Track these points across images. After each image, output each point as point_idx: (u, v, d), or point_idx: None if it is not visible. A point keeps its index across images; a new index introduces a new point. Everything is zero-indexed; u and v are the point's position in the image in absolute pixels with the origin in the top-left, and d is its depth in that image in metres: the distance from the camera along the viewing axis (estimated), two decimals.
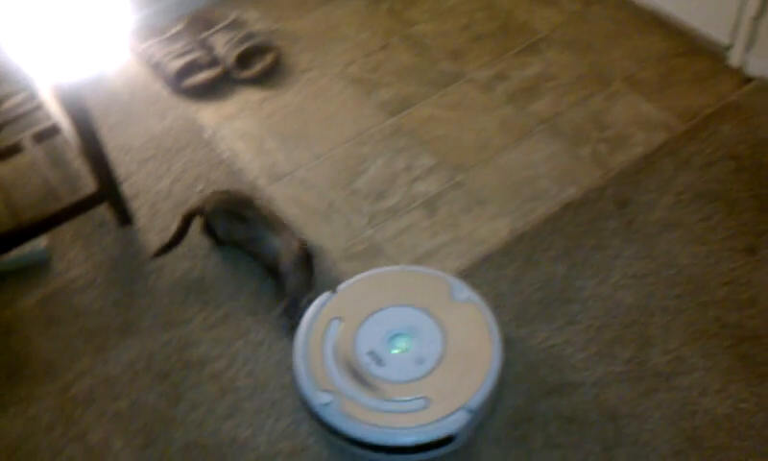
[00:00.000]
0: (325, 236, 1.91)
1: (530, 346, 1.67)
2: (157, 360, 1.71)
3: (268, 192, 2.01)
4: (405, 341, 1.58)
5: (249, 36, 2.36)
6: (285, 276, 1.72)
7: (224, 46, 2.34)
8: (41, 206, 1.97)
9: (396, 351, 1.56)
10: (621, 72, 2.26)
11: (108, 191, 1.88)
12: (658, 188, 1.93)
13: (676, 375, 1.60)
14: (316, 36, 2.47)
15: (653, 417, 1.54)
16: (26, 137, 2.00)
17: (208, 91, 2.30)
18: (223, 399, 1.63)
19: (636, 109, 2.14)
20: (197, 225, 1.88)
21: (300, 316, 1.64)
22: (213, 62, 2.33)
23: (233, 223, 1.81)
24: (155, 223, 1.95)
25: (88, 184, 1.92)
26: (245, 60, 2.33)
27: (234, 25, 2.41)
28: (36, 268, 1.89)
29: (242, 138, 2.17)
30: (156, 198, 2.02)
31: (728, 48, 2.22)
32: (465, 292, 1.65)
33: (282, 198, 2.00)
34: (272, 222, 1.80)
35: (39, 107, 2.02)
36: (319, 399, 1.49)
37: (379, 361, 1.54)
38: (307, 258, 1.76)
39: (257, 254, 1.80)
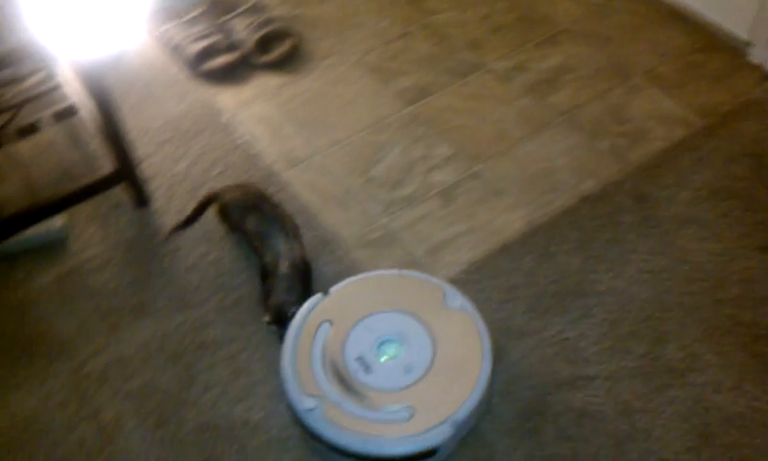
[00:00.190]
0: (341, 223, 1.91)
1: (543, 338, 1.67)
2: (171, 341, 1.71)
3: (285, 177, 2.01)
4: (394, 348, 1.54)
5: (268, 21, 2.36)
6: (280, 278, 1.68)
7: (243, 31, 2.34)
8: (59, 185, 1.98)
9: (384, 359, 1.53)
10: (641, 66, 2.25)
11: (126, 172, 1.88)
12: (675, 184, 1.92)
13: (690, 371, 1.60)
14: (335, 22, 2.47)
15: (665, 413, 1.54)
16: (44, 117, 2.00)
17: (227, 75, 2.30)
18: (236, 381, 1.64)
19: (656, 103, 2.13)
20: (214, 210, 1.88)
21: (286, 326, 1.60)
22: (232, 47, 2.34)
23: (248, 213, 1.80)
24: (171, 205, 1.96)
25: (106, 165, 1.92)
26: (264, 45, 2.33)
27: (254, 10, 2.41)
28: (53, 247, 1.90)
29: (260, 123, 2.17)
30: (173, 180, 2.02)
31: (748, 44, 2.21)
32: (458, 300, 1.60)
33: (299, 183, 2.00)
34: (285, 224, 1.78)
35: (58, 87, 2.02)
36: (303, 403, 1.46)
37: (367, 368, 1.50)
38: (306, 272, 1.73)
39: (260, 250, 1.77)
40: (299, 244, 1.76)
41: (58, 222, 1.90)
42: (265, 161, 2.05)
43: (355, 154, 2.07)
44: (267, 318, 1.65)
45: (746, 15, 2.18)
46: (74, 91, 1.94)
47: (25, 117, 2.02)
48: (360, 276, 1.68)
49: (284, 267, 1.69)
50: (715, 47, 2.28)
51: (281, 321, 1.62)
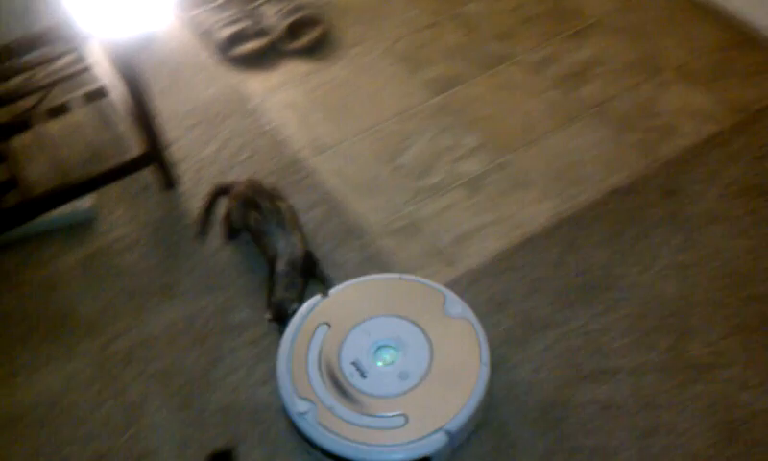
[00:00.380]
0: (367, 211, 1.91)
1: (568, 331, 1.66)
2: (196, 323, 1.72)
3: (311, 164, 2.01)
4: (391, 353, 1.53)
5: (298, 8, 2.36)
6: (280, 276, 1.67)
7: (273, 16, 2.34)
8: (88, 166, 2.00)
9: (380, 364, 1.51)
10: (673, 61, 2.23)
11: (155, 154, 1.89)
12: (705, 180, 1.91)
13: (715, 367, 1.59)
14: (365, 11, 2.47)
15: (689, 408, 1.53)
16: (75, 98, 2.02)
17: (256, 61, 2.31)
18: (259, 364, 1.65)
19: (687, 99, 2.12)
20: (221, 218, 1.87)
21: (287, 323, 1.60)
22: (261, 32, 2.34)
23: (249, 210, 1.77)
24: (199, 188, 1.97)
25: (135, 147, 1.93)
26: (293, 31, 2.34)
27: None
28: (81, 227, 1.91)
29: (287, 109, 2.17)
30: (201, 164, 2.03)
31: None
32: (458, 307, 1.59)
33: (325, 170, 2.00)
34: (284, 221, 1.74)
35: (88, 68, 2.03)
36: (296, 406, 1.45)
37: (362, 373, 1.49)
38: (308, 268, 1.72)
39: (261, 248, 1.76)
40: (298, 236, 1.73)
41: (86, 202, 1.91)
42: (292, 147, 2.06)
43: (382, 142, 2.07)
44: (268, 315, 1.65)
45: None
46: (105, 73, 1.95)
47: (56, 98, 2.04)
48: (360, 279, 1.67)
49: (282, 265, 1.68)
50: (748, 44, 2.25)
51: (282, 318, 1.63)
